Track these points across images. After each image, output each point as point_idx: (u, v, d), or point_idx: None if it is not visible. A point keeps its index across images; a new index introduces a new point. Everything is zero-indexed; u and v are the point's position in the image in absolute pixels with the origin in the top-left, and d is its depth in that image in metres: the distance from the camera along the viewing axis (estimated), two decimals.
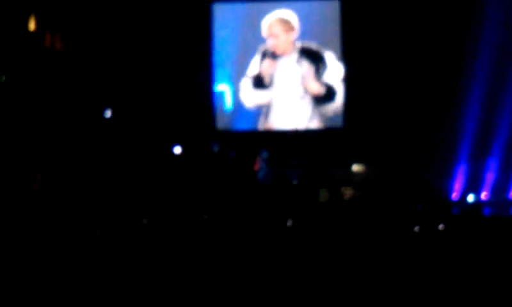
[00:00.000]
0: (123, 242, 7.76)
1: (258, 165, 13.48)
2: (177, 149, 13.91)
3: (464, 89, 14.01)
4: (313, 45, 14.51)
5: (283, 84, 14.49)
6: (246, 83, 14.54)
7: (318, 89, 14.44)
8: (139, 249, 7.46)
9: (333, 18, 14.62)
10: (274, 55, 14.45)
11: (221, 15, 14.68)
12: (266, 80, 14.47)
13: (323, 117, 14.56)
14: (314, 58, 14.48)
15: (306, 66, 14.46)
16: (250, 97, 14.54)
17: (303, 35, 14.53)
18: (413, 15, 14.15)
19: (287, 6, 14.58)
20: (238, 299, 6.56)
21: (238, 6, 14.70)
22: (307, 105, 14.53)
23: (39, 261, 6.98)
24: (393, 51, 14.22)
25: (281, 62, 14.48)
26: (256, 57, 14.52)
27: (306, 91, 14.49)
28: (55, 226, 8.59)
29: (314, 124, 14.56)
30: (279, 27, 14.52)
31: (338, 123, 14.60)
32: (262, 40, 14.55)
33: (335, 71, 14.49)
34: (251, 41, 14.58)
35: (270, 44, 14.49)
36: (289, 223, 9.71)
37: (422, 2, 14.13)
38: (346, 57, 14.52)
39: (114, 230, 8.54)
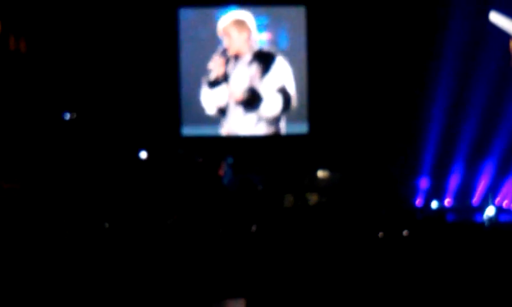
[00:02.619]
0: (87, 245, 7.70)
1: (223, 170, 13.47)
2: (143, 154, 13.86)
3: (429, 96, 14.11)
4: (267, 47, 14.55)
5: (235, 85, 14.49)
6: (204, 85, 14.55)
7: (241, 95, 14.46)
8: (102, 253, 7.41)
9: (298, 24, 14.67)
10: (225, 54, 14.44)
11: (188, 19, 14.66)
12: (216, 78, 14.45)
13: (267, 121, 14.61)
14: (263, 60, 14.51)
15: (255, 68, 14.49)
16: (207, 98, 14.49)
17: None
18: (379, 21, 14.22)
19: (257, 11, 14.61)
20: (202, 303, 6.54)
21: (204, 11, 14.68)
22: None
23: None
24: (359, 57, 14.28)
25: (236, 64, 14.49)
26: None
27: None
28: (18, 230, 8.51)
29: (262, 130, 14.58)
30: (232, 26, 14.53)
31: (282, 129, 14.62)
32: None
33: (279, 76, 14.52)
34: (215, 46, 14.60)
35: (224, 43, 14.50)
36: (254, 228, 9.70)
37: (388, 8, 14.20)
38: (310, 62, 14.56)
39: (78, 234, 8.49)
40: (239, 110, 14.50)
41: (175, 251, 7.62)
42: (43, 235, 8.20)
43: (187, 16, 14.67)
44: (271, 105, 14.48)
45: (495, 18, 13.87)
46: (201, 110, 14.57)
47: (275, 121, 14.57)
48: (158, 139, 14.19)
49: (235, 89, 14.46)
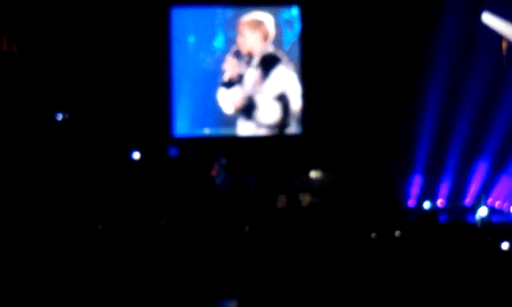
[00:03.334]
0: (82, 248, 7.69)
1: (216, 171, 13.46)
2: (136, 155, 13.84)
3: (422, 97, 14.13)
4: (276, 52, 14.48)
5: (246, 87, 14.45)
6: (220, 85, 14.49)
7: (239, 103, 14.43)
8: (96, 255, 7.41)
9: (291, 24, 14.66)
10: (238, 54, 14.38)
11: (181, 19, 14.60)
12: (230, 79, 14.39)
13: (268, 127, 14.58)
14: (266, 64, 14.45)
15: (258, 73, 14.44)
16: (223, 98, 14.43)
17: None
18: (371, 21, 14.24)
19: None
20: (195, 303, 6.54)
21: (197, 11, 14.63)
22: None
23: None
24: (351, 57, 14.29)
25: (248, 65, 14.43)
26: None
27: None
28: (9, 233, 8.49)
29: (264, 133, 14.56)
30: (247, 26, 14.46)
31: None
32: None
33: (279, 82, 14.46)
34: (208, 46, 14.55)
35: (238, 42, 14.45)
36: (247, 229, 9.70)
37: (381, 9, 14.22)
38: (304, 62, 14.56)
39: (71, 236, 8.47)
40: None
41: (168, 251, 7.62)
42: (35, 237, 8.19)
43: (180, 16, 14.61)
44: (268, 113, 14.43)
45: (488, 19, 13.90)
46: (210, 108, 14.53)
47: (278, 126, 14.54)
48: (150, 139, 14.18)
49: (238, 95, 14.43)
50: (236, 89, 14.40)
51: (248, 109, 14.42)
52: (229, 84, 14.37)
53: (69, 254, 7.41)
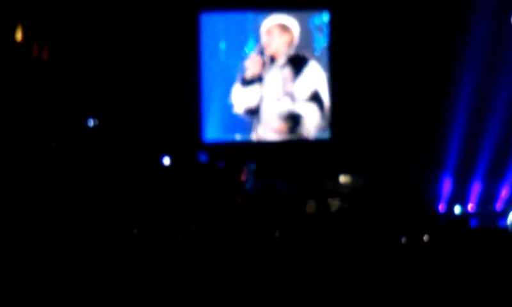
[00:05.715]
0: (113, 253, 7.74)
1: (245, 176, 13.48)
2: (166, 160, 13.90)
3: (451, 101, 14.08)
4: (303, 53, 14.51)
5: (268, 88, 14.47)
6: (238, 82, 14.53)
7: (280, 125, 14.47)
8: (127, 260, 7.45)
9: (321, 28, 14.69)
10: (262, 52, 14.42)
11: (211, 25, 14.65)
12: (252, 76, 14.43)
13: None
14: (296, 64, 14.48)
15: (288, 71, 14.46)
16: (237, 96, 14.46)
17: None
18: (400, 25, 14.21)
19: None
20: None
21: (227, 15, 14.67)
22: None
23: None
24: (381, 62, 14.27)
25: (271, 65, 14.46)
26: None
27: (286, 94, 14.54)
28: (42, 238, 8.56)
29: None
30: (276, 27, 14.49)
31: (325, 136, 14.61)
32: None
33: (313, 81, 14.48)
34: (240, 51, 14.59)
35: (263, 40, 14.47)
36: (277, 234, 9.71)
37: (409, 12, 14.19)
38: (333, 67, 14.56)
39: (102, 240, 8.53)
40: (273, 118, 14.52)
41: (198, 256, 7.65)
42: (65, 242, 8.26)
43: (210, 22, 14.66)
44: (310, 118, 14.46)
45: None
46: (227, 114, 14.57)
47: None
48: (180, 145, 14.24)
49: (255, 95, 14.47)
50: (255, 88, 14.43)
51: (293, 123, 14.46)
52: (249, 82, 14.40)
53: (101, 258, 7.46)
